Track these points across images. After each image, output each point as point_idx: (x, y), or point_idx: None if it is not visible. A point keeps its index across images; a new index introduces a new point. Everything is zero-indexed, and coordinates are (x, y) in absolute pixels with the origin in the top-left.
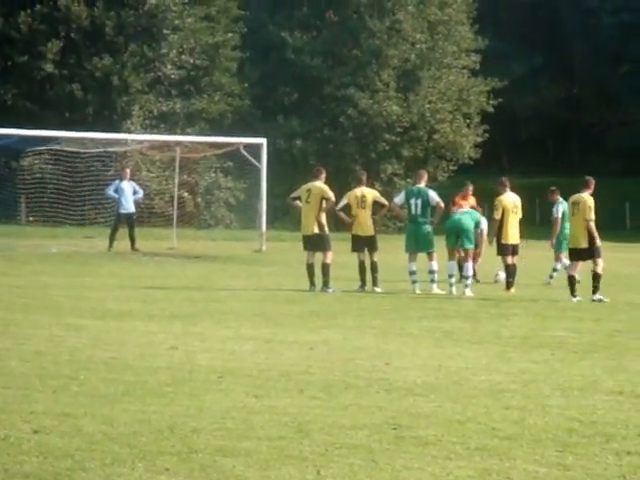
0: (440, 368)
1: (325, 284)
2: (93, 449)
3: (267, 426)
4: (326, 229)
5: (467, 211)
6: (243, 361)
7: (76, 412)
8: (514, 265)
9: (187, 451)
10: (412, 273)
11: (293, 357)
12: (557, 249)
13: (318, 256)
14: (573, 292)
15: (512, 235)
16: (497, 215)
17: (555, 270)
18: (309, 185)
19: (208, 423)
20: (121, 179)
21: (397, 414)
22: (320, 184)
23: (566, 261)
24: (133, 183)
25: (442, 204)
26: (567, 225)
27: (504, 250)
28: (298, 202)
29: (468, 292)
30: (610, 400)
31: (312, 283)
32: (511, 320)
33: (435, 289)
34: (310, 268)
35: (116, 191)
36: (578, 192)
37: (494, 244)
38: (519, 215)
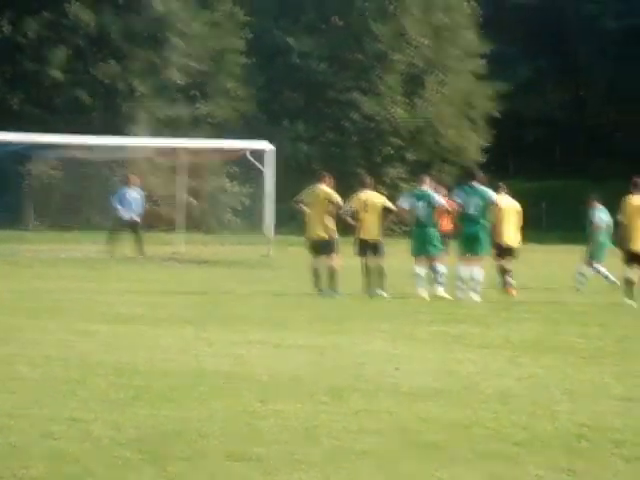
0: (450, 373)
1: (332, 288)
2: (102, 454)
3: (275, 431)
4: (334, 233)
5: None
6: (252, 366)
7: (85, 417)
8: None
9: (196, 456)
10: (417, 276)
11: (302, 362)
12: (590, 255)
13: (324, 260)
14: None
15: (507, 236)
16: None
17: (582, 274)
18: (313, 188)
19: (217, 428)
20: (127, 186)
21: (406, 419)
22: (325, 187)
23: (593, 270)
24: (139, 191)
25: (446, 206)
26: (601, 233)
27: (499, 251)
28: (302, 205)
29: (475, 297)
30: (619, 406)
31: (318, 287)
32: (521, 324)
33: (440, 291)
34: (315, 272)
35: (120, 202)
36: (631, 194)
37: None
38: (518, 219)
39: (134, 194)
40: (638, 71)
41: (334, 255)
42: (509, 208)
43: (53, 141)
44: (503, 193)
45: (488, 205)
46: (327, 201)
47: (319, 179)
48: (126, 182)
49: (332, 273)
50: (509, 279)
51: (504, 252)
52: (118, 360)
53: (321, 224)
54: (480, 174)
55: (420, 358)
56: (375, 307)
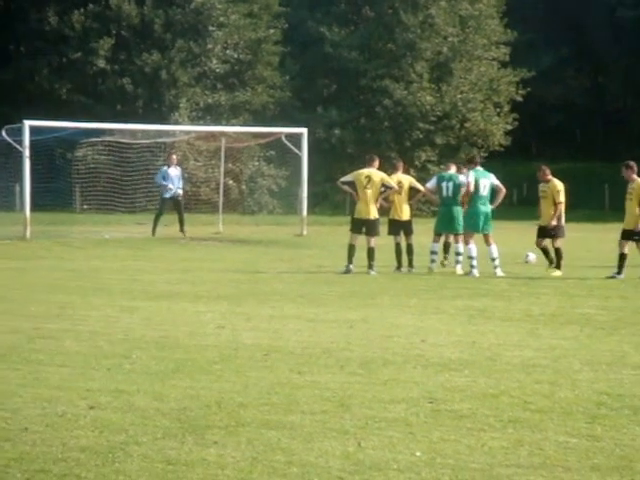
0: (474, 344)
1: (370, 267)
2: (145, 424)
3: (310, 401)
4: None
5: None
6: (287, 339)
7: (129, 389)
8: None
9: (234, 425)
10: (434, 253)
11: (334, 335)
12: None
13: (362, 239)
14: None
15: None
16: (563, 198)
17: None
18: (367, 172)
19: (254, 398)
20: (168, 166)
21: (433, 389)
22: (378, 171)
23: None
24: (179, 169)
25: (472, 187)
26: None
27: (564, 232)
28: (347, 187)
29: (499, 272)
30: (637, 374)
31: (351, 262)
32: (541, 298)
33: (459, 270)
34: (352, 249)
35: (164, 178)
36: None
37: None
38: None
39: (175, 171)
40: None
41: (377, 236)
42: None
43: (99, 127)
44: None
45: (494, 188)
46: (382, 185)
47: (370, 162)
48: (167, 162)
49: (372, 252)
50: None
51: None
52: (159, 335)
53: (374, 205)
54: (452, 166)
55: (445, 331)
56: (403, 283)
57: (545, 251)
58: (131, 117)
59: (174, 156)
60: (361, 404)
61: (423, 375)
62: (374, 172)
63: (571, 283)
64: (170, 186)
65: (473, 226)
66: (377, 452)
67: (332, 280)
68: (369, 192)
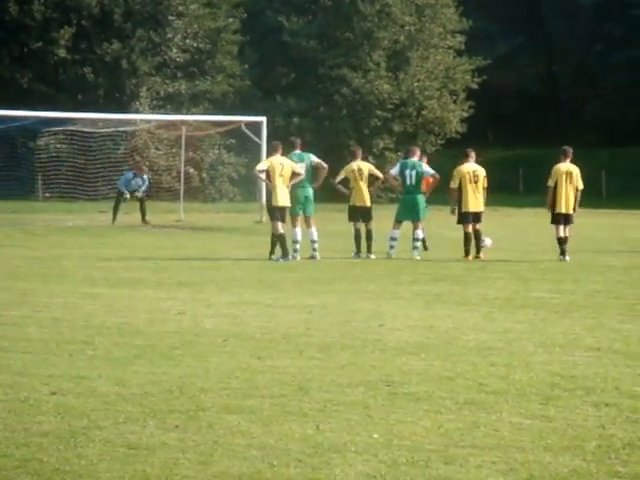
0: (430, 328)
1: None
2: (107, 409)
3: (269, 385)
4: None
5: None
6: (246, 325)
7: (91, 374)
8: (478, 231)
9: (195, 409)
10: (393, 239)
11: (293, 320)
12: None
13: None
14: (563, 252)
15: (472, 203)
16: (454, 184)
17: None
18: (279, 159)
19: (214, 383)
20: (134, 175)
21: (391, 372)
22: (287, 159)
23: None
24: (146, 177)
25: (437, 176)
26: None
27: (464, 218)
28: (262, 175)
29: (317, 255)
30: (589, 356)
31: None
32: (496, 283)
33: (416, 255)
34: (282, 238)
35: (126, 186)
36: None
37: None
38: (481, 183)
39: (139, 181)
40: (606, 47)
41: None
42: (471, 175)
43: (61, 117)
44: (469, 160)
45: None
46: (292, 172)
47: (276, 150)
48: (133, 168)
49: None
50: (466, 245)
51: (469, 219)
52: (121, 321)
53: (288, 192)
54: (418, 150)
55: (403, 315)
56: (361, 269)
57: (470, 238)
58: (92, 106)
59: (144, 167)
60: (320, 388)
61: (381, 359)
62: (285, 160)
63: (526, 267)
64: (125, 195)
65: (295, 210)
66: (335, 434)
67: (291, 266)
68: (283, 179)
